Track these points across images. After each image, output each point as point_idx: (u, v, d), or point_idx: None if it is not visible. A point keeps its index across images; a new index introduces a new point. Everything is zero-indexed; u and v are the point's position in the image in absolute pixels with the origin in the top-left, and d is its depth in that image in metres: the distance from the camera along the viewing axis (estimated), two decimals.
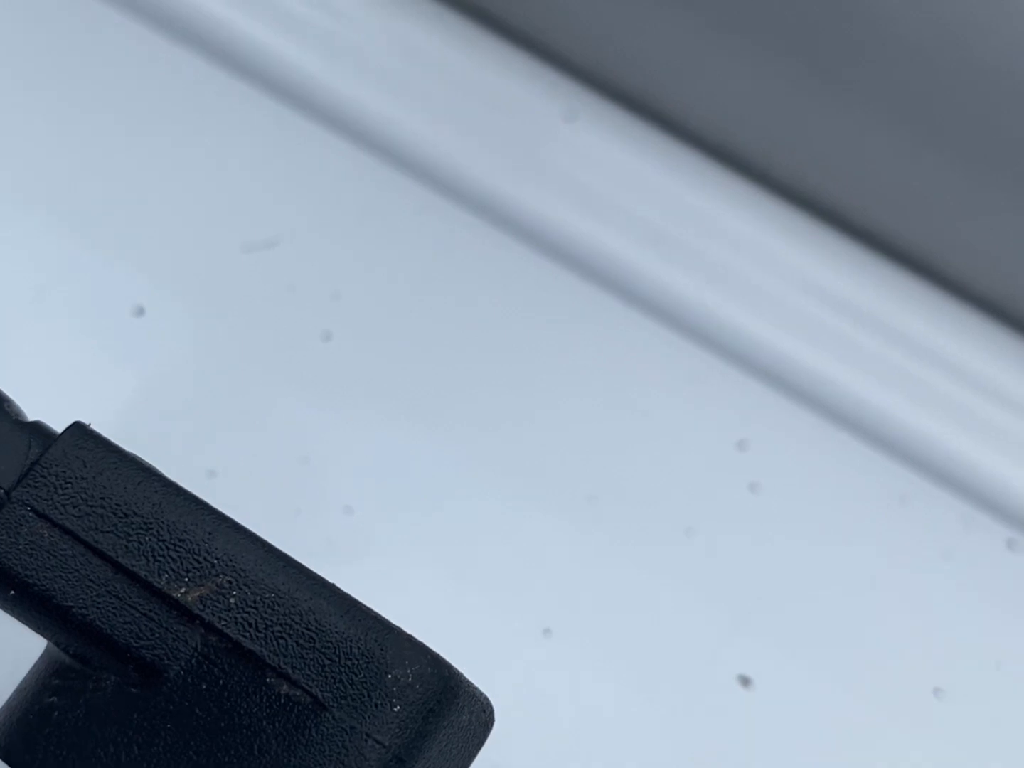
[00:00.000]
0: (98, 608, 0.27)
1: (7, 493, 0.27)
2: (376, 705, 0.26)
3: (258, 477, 0.39)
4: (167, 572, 0.27)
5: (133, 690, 0.27)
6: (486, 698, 0.28)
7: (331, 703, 0.26)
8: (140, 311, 0.41)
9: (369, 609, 0.28)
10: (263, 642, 0.27)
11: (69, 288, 0.41)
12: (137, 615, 0.27)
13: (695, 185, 0.47)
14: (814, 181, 0.48)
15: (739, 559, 0.41)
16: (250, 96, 0.45)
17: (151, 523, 0.27)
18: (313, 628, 0.27)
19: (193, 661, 0.27)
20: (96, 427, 0.29)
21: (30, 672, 0.28)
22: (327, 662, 0.27)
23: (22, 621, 0.28)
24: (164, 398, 0.40)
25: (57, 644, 0.28)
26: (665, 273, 0.46)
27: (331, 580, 0.39)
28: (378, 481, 0.40)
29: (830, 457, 0.44)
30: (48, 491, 0.27)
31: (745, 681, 0.39)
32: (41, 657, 0.28)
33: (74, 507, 0.27)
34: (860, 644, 0.41)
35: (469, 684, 0.28)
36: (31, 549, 0.27)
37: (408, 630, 0.38)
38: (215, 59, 0.45)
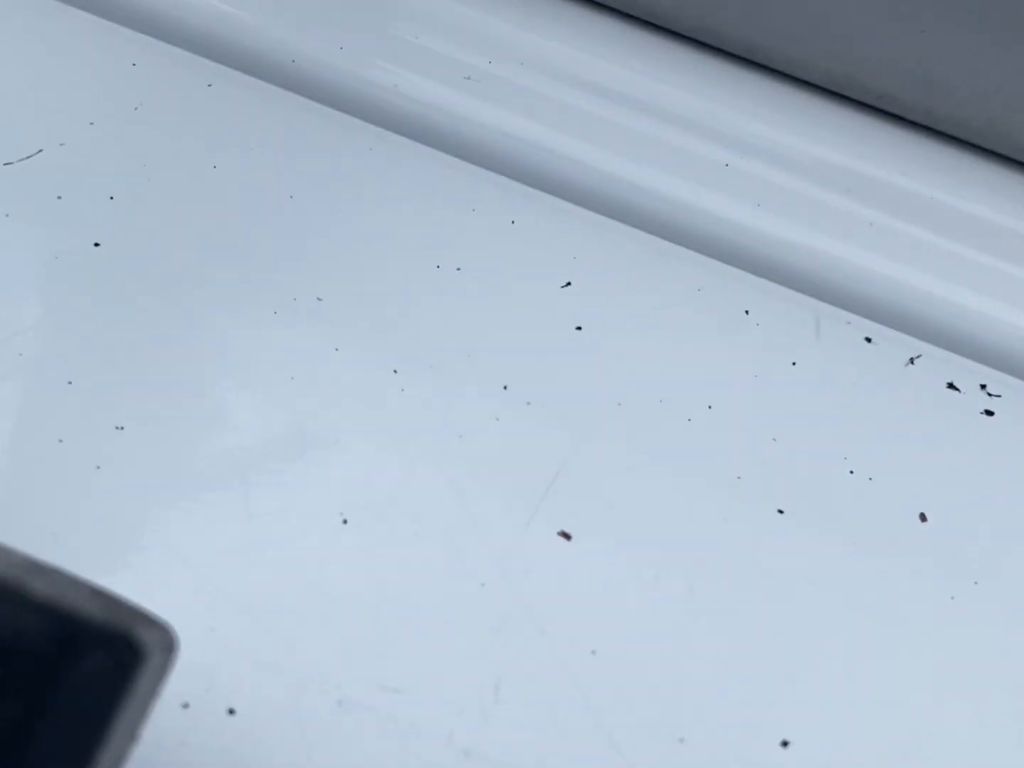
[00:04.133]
0: None
1: None
2: None
3: (20, 405, 0.37)
4: None
5: None
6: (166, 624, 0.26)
7: None
8: None
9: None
10: None
11: None
12: None
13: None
14: None
15: (564, 400, 0.38)
16: None
17: None
18: None
19: None
20: None
21: None
22: None
23: None
24: None
25: None
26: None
27: (105, 501, 0.37)
28: (144, 397, 0.37)
29: (639, 261, 0.40)
30: None
31: (567, 536, 0.36)
32: None
33: None
34: (708, 463, 0.37)
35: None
36: None
37: (203, 540, 0.36)
38: None
